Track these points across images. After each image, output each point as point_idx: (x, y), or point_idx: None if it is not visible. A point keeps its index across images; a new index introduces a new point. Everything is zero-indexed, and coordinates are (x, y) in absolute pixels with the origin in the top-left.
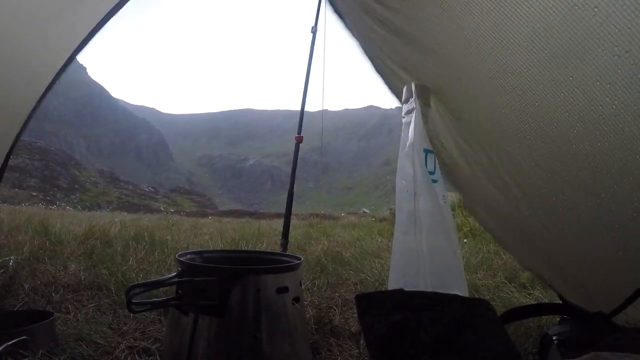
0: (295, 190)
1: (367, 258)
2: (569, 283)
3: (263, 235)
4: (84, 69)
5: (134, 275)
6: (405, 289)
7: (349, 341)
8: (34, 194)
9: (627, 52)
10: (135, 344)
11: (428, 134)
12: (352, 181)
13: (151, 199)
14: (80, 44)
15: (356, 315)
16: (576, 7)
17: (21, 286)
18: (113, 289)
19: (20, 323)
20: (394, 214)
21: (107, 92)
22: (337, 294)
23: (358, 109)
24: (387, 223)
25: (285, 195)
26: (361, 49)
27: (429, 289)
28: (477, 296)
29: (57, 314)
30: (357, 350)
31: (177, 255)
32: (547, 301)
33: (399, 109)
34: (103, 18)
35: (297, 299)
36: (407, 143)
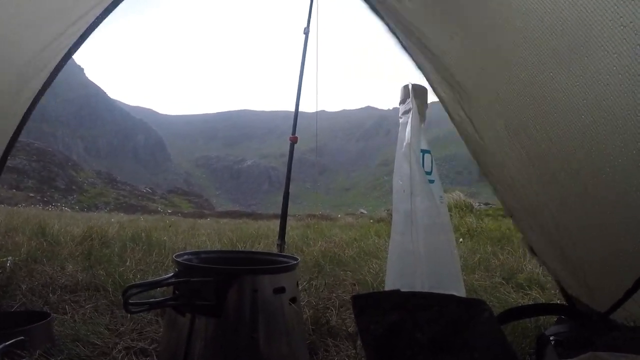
0: (292, 191)
1: (364, 258)
2: (571, 270)
3: (260, 236)
4: (82, 69)
5: (131, 276)
6: (402, 290)
7: (346, 341)
8: (32, 195)
9: (631, 22)
10: (132, 345)
11: (452, 110)
12: (349, 182)
13: (149, 200)
14: (76, 42)
15: (353, 315)
16: None
17: (19, 287)
18: (110, 289)
19: (18, 324)
20: (392, 215)
21: (105, 92)
22: (334, 295)
23: (355, 109)
24: (384, 224)
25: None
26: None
27: (426, 290)
28: (474, 296)
29: (55, 314)
30: (354, 351)
31: (174, 256)
32: (544, 301)
33: (397, 109)
34: (99, 16)
35: (294, 300)
36: (404, 143)
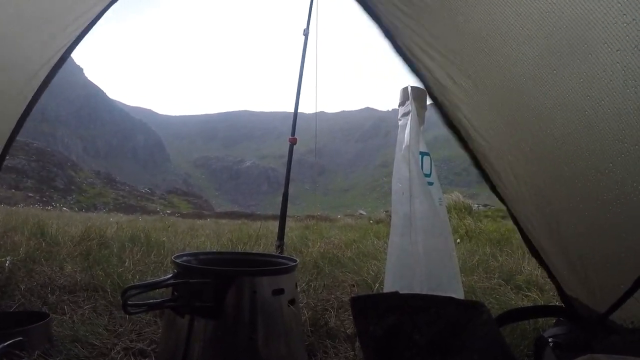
0: (291, 192)
1: (363, 260)
2: (572, 268)
3: (260, 237)
4: (81, 69)
5: (130, 277)
6: (401, 291)
7: (344, 343)
8: (31, 194)
9: (634, 19)
10: (131, 346)
11: (450, 113)
12: (348, 183)
13: (148, 200)
14: (75, 39)
15: (352, 317)
16: None
17: (17, 287)
18: (109, 290)
19: (17, 324)
20: (391, 216)
21: (104, 93)
22: (333, 296)
23: (355, 110)
24: (383, 225)
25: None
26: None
27: (425, 291)
28: (473, 298)
29: (53, 315)
30: (352, 352)
31: (173, 257)
32: (543, 303)
33: (396, 111)
34: (97, 15)
35: (292, 301)
36: (403, 146)
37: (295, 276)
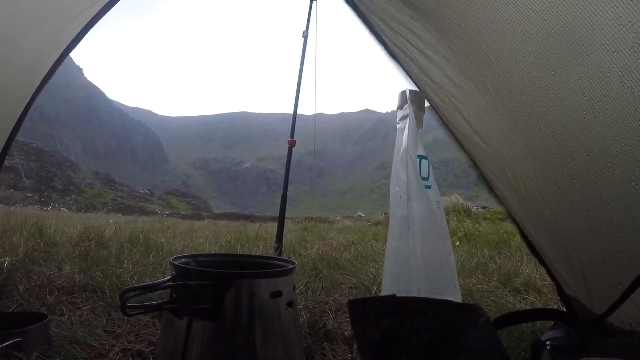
0: (290, 194)
1: (362, 262)
2: (571, 268)
3: (259, 239)
4: (81, 70)
5: (128, 278)
6: (399, 295)
7: (342, 346)
8: (29, 195)
9: (630, 22)
10: (129, 347)
11: (448, 114)
12: (347, 185)
13: (147, 202)
14: (74, 39)
15: (349, 320)
16: None
17: (16, 288)
18: (108, 291)
19: (15, 325)
20: (389, 219)
21: (104, 93)
22: (331, 299)
23: (354, 112)
24: (382, 227)
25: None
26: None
27: (423, 295)
28: (471, 301)
29: (52, 316)
30: (350, 355)
31: (171, 259)
32: (541, 306)
33: (395, 113)
34: (96, 15)
35: (291, 304)
36: (401, 149)
37: (293, 279)
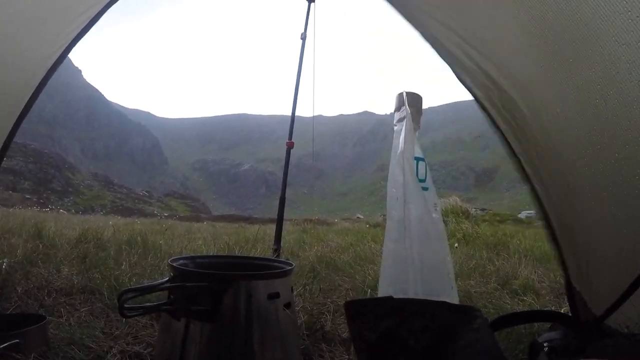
0: (288, 195)
1: (360, 264)
2: (577, 262)
3: (257, 241)
4: (79, 71)
5: (126, 280)
6: (395, 296)
7: (340, 347)
8: (28, 196)
9: (638, 16)
10: (127, 349)
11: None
12: (346, 187)
13: (145, 203)
14: (72, 41)
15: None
16: None
17: (14, 289)
18: (106, 293)
19: (13, 326)
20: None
21: (102, 95)
22: (329, 300)
23: (353, 114)
24: (381, 229)
25: None
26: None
27: (419, 296)
28: (469, 303)
29: (50, 317)
30: (347, 357)
31: (169, 261)
32: (539, 308)
33: (394, 115)
34: (95, 15)
35: (288, 305)
36: (398, 151)
37: (291, 280)
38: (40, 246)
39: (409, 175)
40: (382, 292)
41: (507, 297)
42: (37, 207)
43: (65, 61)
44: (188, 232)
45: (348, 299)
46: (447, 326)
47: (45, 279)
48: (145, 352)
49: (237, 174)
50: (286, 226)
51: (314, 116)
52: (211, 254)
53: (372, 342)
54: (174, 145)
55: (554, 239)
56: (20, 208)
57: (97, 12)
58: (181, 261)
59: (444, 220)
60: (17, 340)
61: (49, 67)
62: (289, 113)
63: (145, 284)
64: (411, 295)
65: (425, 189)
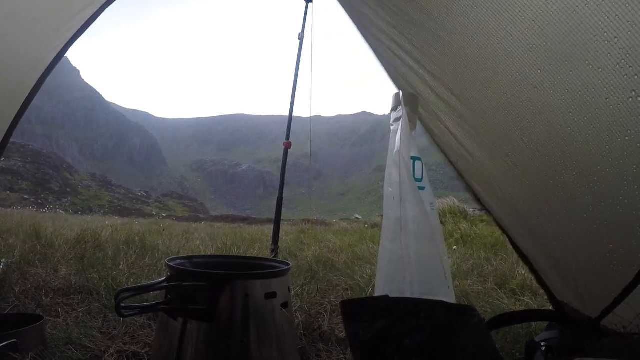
0: (286, 196)
1: (358, 264)
2: (562, 276)
3: (255, 241)
4: (77, 71)
5: (124, 280)
6: (391, 295)
7: (337, 347)
8: (26, 197)
9: (615, 37)
10: (124, 349)
11: (433, 125)
12: (344, 187)
13: (143, 204)
14: (69, 41)
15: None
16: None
17: (11, 289)
18: (103, 293)
19: (10, 326)
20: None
21: (100, 95)
22: (326, 300)
23: (351, 115)
24: (378, 229)
25: None
26: (373, 50)
27: (416, 296)
28: (467, 302)
29: (47, 317)
30: (344, 356)
31: (166, 260)
32: (536, 307)
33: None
34: (92, 16)
35: (285, 305)
36: (394, 150)
37: (288, 280)
38: (38, 246)
39: (405, 175)
40: (378, 292)
41: (504, 297)
42: (34, 208)
43: (63, 61)
44: (186, 233)
45: (345, 298)
46: (443, 325)
47: (43, 279)
48: (142, 351)
49: (235, 174)
50: (284, 227)
51: (311, 116)
52: (208, 254)
53: (368, 341)
54: (172, 146)
55: (525, 259)
56: (18, 208)
57: (93, 12)
58: (178, 261)
59: (441, 221)
60: (15, 340)
61: (46, 67)
62: (287, 113)
63: (142, 284)
64: (407, 294)
65: (421, 188)
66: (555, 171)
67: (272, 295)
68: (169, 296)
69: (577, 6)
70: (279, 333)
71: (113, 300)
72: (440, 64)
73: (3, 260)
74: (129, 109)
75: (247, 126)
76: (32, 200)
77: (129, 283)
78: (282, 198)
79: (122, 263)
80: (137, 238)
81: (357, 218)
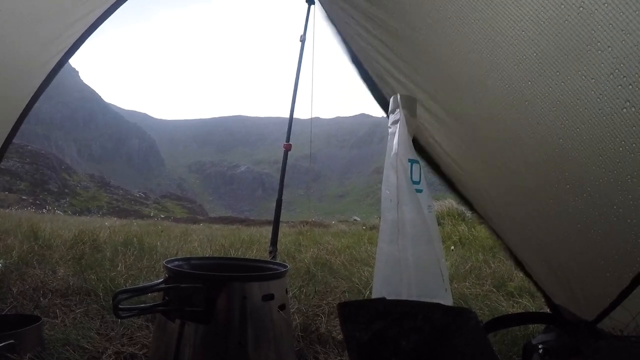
0: (285, 197)
1: (356, 266)
2: (558, 282)
3: (253, 242)
4: (77, 72)
5: (122, 281)
6: (388, 298)
7: (335, 349)
8: (24, 197)
9: (609, 47)
10: (122, 350)
11: (423, 136)
12: (343, 189)
13: (142, 205)
14: (72, 47)
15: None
16: (562, 6)
17: (9, 290)
18: (101, 294)
19: (8, 327)
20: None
21: (99, 96)
22: (324, 302)
23: (350, 116)
24: (377, 231)
25: None
26: (350, 57)
27: (413, 298)
28: (465, 305)
29: (45, 318)
30: (341, 358)
31: (164, 262)
32: (534, 310)
33: None
34: (95, 21)
35: (282, 307)
36: (392, 153)
37: (285, 282)
38: (36, 247)
39: (403, 177)
40: (375, 294)
41: (502, 299)
42: (33, 208)
43: None
44: (184, 234)
45: (342, 301)
46: (439, 328)
47: (41, 279)
48: (140, 353)
49: (234, 175)
50: (282, 228)
51: (311, 118)
52: (206, 255)
53: (364, 343)
54: (171, 147)
55: (520, 265)
56: (16, 209)
57: (97, 17)
58: (176, 262)
59: (440, 223)
60: (12, 341)
61: (49, 71)
62: (286, 115)
63: (140, 285)
64: (404, 296)
65: (419, 191)
66: (547, 182)
67: (269, 297)
68: (167, 298)
69: (568, 15)
70: (277, 335)
71: (111, 302)
72: (426, 75)
73: (1, 261)
74: (127, 110)
75: (246, 127)
76: (31, 200)
77: (127, 284)
78: (281, 200)
79: (120, 264)
80: (135, 239)
81: (355, 220)
